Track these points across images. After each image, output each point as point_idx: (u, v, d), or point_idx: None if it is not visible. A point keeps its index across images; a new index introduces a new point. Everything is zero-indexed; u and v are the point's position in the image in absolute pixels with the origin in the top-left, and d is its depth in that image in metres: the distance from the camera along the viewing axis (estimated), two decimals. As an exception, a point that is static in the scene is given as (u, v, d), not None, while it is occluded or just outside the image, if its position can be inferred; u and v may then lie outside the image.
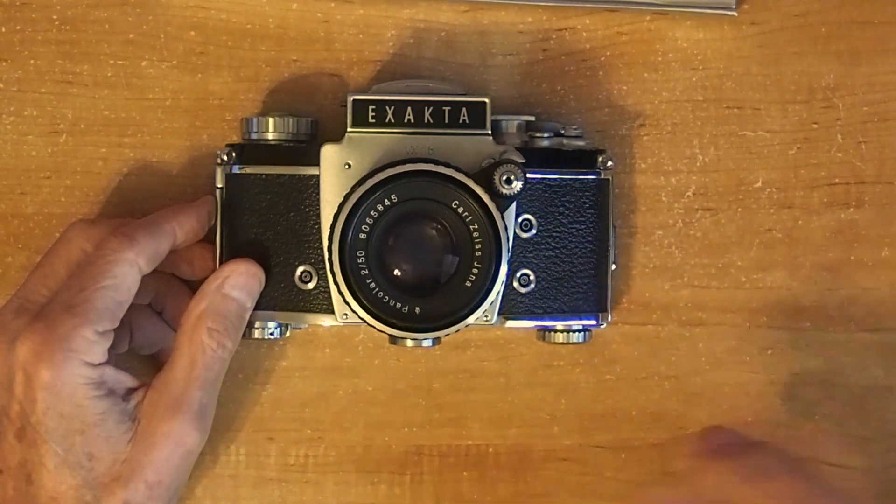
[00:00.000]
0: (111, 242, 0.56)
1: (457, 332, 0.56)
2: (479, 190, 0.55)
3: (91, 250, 0.56)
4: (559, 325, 0.60)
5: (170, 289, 0.61)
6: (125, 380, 0.56)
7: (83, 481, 0.54)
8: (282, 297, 0.59)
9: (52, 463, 0.54)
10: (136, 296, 0.56)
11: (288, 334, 0.60)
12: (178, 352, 0.56)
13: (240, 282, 0.57)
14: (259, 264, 0.58)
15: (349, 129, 0.57)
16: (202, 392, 0.56)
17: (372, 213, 0.55)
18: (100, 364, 0.54)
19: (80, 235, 0.58)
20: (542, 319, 0.60)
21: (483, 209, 0.55)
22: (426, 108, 0.57)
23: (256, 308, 0.58)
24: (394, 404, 0.64)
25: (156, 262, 0.57)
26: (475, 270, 0.56)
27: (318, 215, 0.58)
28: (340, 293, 0.56)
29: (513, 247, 0.58)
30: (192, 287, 0.61)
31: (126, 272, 0.55)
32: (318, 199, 0.58)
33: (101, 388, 0.54)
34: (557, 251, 0.59)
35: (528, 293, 0.59)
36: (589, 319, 0.60)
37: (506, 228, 0.55)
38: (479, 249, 0.56)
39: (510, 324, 0.59)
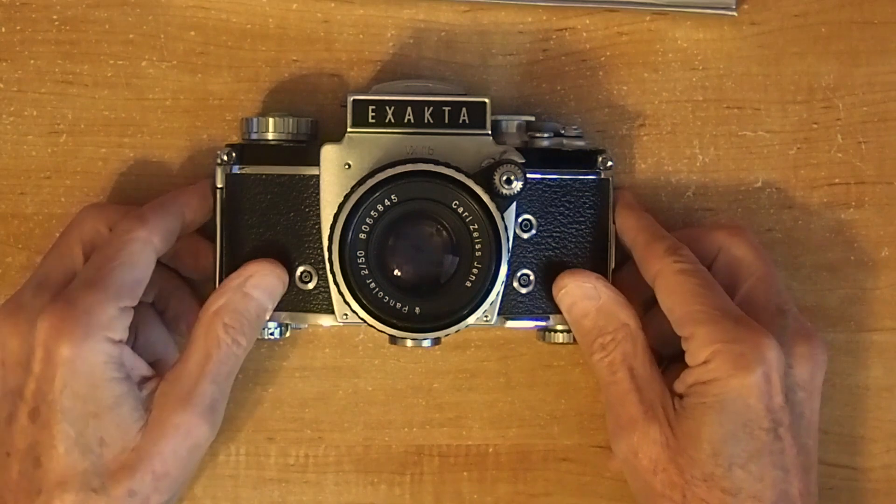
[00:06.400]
0: (124, 224, 0.56)
1: (457, 332, 0.56)
2: (479, 190, 0.55)
3: (105, 231, 0.57)
4: (559, 325, 0.60)
5: (173, 288, 0.62)
6: (140, 367, 0.56)
7: (91, 466, 0.54)
8: (282, 297, 0.59)
9: (63, 446, 0.54)
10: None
11: (288, 334, 0.60)
12: (193, 345, 0.56)
13: (263, 282, 0.57)
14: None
15: (349, 129, 0.57)
16: (214, 386, 0.56)
17: (372, 213, 0.55)
18: (119, 342, 0.55)
19: (93, 216, 0.58)
20: (542, 319, 0.60)
21: (483, 209, 0.55)
22: (426, 108, 0.57)
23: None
24: (394, 404, 0.64)
25: (169, 242, 0.57)
26: (475, 270, 0.56)
27: (318, 215, 0.58)
28: (340, 293, 0.56)
29: (513, 247, 0.58)
30: (195, 289, 0.62)
31: (141, 250, 0.56)
32: (318, 199, 0.58)
33: (120, 369, 0.54)
34: (557, 251, 0.59)
35: (528, 293, 0.59)
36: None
37: (506, 228, 0.55)
38: (479, 249, 0.55)
39: (510, 324, 0.59)
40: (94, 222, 0.58)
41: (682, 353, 0.56)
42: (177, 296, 0.62)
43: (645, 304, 0.60)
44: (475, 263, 0.56)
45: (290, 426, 0.64)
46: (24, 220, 0.63)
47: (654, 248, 0.58)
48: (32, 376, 0.54)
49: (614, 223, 0.60)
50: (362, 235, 0.55)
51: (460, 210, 0.55)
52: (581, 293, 0.58)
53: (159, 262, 0.59)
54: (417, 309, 0.56)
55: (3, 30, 0.63)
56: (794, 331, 0.57)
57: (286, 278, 0.58)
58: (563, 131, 0.60)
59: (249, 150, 0.59)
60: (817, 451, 0.57)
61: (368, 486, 0.64)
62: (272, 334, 0.60)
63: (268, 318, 0.58)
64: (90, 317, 0.53)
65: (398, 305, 0.56)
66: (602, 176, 0.60)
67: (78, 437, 0.54)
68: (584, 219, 0.59)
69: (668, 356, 0.59)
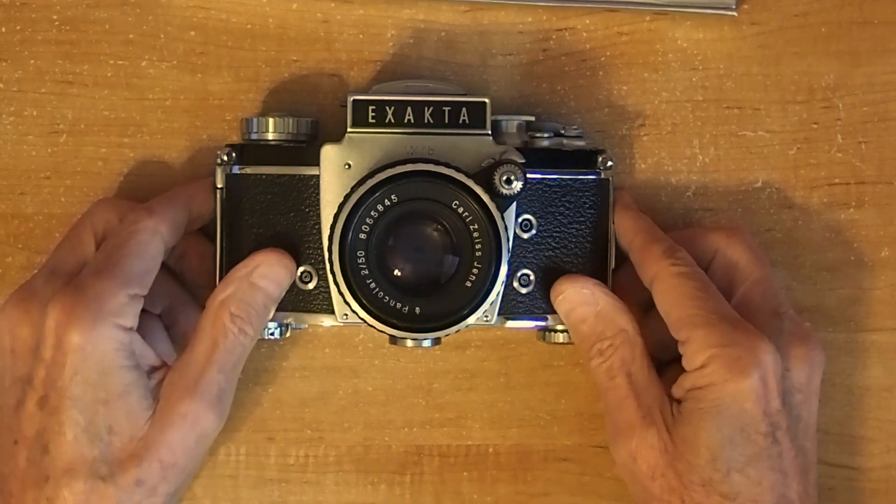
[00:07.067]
0: (132, 216, 0.57)
1: (457, 332, 0.56)
2: (479, 190, 0.55)
3: (116, 223, 0.58)
4: (559, 325, 0.60)
5: (182, 304, 0.62)
6: (149, 355, 0.56)
7: (100, 454, 0.54)
8: (283, 296, 0.59)
9: (72, 433, 0.54)
10: (149, 303, 0.56)
11: (288, 334, 0.60)
12: (200, 334, 0.56)
13: (270, 272, 0.57)
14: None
15: (349, 130, 0.57)
16: (221, 376, 0.56)
17: (372, 213, 0.55)
18: (130, 329, 0.55)
19: (105, 208, 0.59)
20: (542, 319, 0.60)
21: (483, 209, 0.55)
22: (426, 109, 0.57)
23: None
24: (393, 404, 0.64)
25: (177, 233, 0.57)
26: (475, 270, 0.56)
27: (318, 215, 0.58)
28: (340, 293, 0.56)
29: (513, 247, 0.58)
30: (200, 301, 0.62)
31: (150, 239, 0.56)
32: (318, 200, 0.58)
33: (130, 357, 0.54)
34: (557, 251, 0.59)
35: (528, 293, 0.59)
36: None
37: (506, 228, 0.55)
38: (479, 249, 0.55)
39: (510, 324, 0.59)
40: (106, 214, 0.59)
41: (681, 356, 0.56)
42: (185, 312, 0.62)
43: (643, 305, 0.60)
44: (475, 263, 0.56)
45: (290, 426, 0.64)
46: (24, 220, 0.63)
47: (651, 251, 0.58)
48: (42, 363, 0.54)
49: (614, 223, 0.60)
50: (362, 235, 0.55)
51: (460, 210, 0.55)
52: (579, 299, 0.58)
53: (170, 275, 0.59)
54: (417, 309, 0.56)
55: (3, 30, 0.63)
56: (791, 333, 0.57)
57: (293, 268, 0.58)
58: (563, 131, 0.60)
59: (249, 150, 0.59)
60: (815, 453, 0.57)
61: (368, 486, 0.64)
62: (272, 334, 0.60)
63: (274, 308, 0.58)
64: (100, 303, 0.54)
65: (398, 305, 0.56)
66: (602, 176, 0.60)
67: (87, 425, 0.54)
68: (585, 219, 0.59)
69: (666, 360, 0.59)
